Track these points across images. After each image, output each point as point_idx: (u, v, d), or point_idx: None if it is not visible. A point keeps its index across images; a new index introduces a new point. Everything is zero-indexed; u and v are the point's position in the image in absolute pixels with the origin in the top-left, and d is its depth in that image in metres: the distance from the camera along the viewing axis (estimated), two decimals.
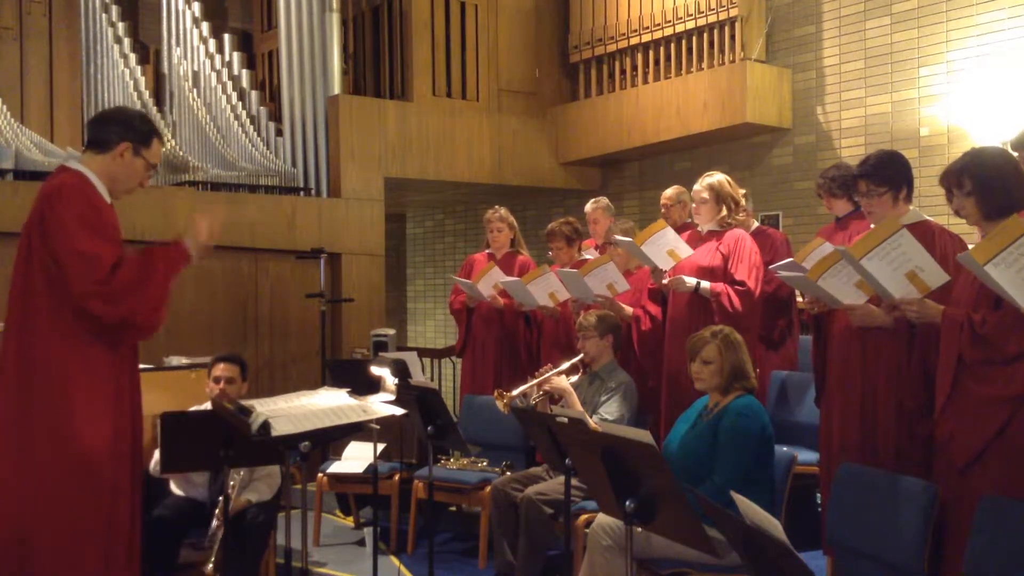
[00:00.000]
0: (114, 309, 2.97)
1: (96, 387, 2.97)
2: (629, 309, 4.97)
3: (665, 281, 4.84)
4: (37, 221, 2.98)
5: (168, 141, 7.43)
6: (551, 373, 4.42)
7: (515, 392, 4.38)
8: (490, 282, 5.64)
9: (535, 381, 4.42)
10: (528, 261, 5.91)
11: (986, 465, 2.93)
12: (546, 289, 5.27)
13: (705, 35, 7.40)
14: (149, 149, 3.16)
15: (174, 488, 4.19)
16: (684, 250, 4.71)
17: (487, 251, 6.06)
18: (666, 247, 4.73)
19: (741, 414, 3.46)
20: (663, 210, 5.79)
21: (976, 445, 2.93)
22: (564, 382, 4.36)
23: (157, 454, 4.14)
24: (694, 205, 4.80)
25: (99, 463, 2.95)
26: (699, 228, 4.82)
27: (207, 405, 4.29)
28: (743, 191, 4.90)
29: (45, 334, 2.94)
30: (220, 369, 4.29)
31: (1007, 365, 2.89)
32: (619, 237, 5.07)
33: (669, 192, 5.77)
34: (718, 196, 4.64)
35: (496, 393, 4.37)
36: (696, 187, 4.74)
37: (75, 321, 2.95)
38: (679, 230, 5.36)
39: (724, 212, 4.65)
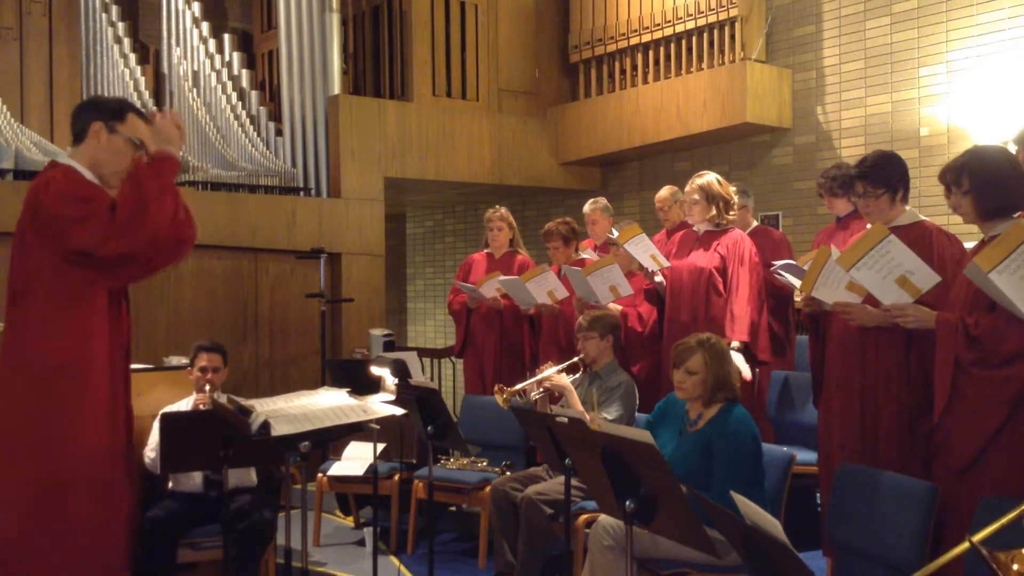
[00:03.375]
0: (133, 240, 2.84)
1: (90, 387, 2.94)
2: (617, 307, 4.98)
3: (658, 279, 4.87)
4: (30, 219, 2.93)
5: None
6: (552, 371, 4.42)
7: (515, 388, 4.39)
8: (492, 286, 5.65)
9: (536, 378, 4.42)
10: (527, 261, 5.91)
11: (985, 466, 2.93)
12: (545, 287, 5.28)
13: (705, 35, 7.40)
14: (124, 123, 3.03)
15: (170, 483, 4.20)
16: (661, 258, 4.76)
17: (486, 251, 6.06)
18: (648, 250, 4.77)
19: (737, 430, 3.43)
20: (660, 213, 5.80)
21: (974, 447, 2.93)
22: (565, 380, 4.35)
23: (149, 450, 4.16)
24: (687, 205, 4.83)
25: (94, 464, 2.92)
26: (695, 228, 4.84)
27: (193, 396, 4.34)
28: (733, 188, 4.91)
29: (36, 335, 2.90)
30: (205, 359, 4.36)
31: (1003, 367, 2.90)
32: (610, 236, 5.10)
33: (663, 193, 5.78)
34: (708, 196, 4.67)
35: (496, 388, 4.38)
36: (687, 188, 4.77)
37: (67, 321, 2.91)
38: (675, 230, 5.39)
39: (714, 212, 4.67)
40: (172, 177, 2.98)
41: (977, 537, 1.82)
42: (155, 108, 7.91)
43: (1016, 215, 3.01)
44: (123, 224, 2.85)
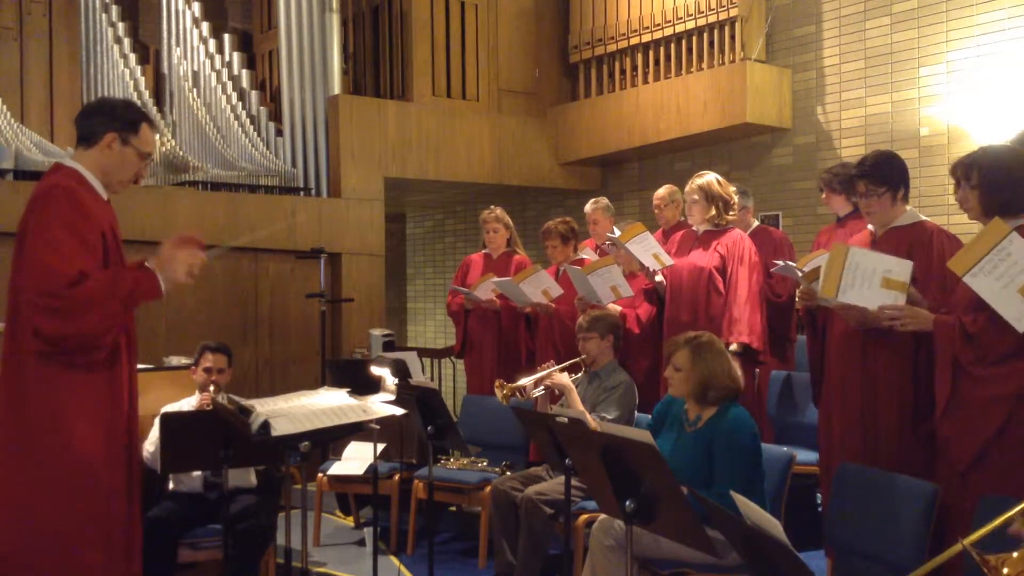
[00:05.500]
0: (60, 324, 2.80)
1: (88, 392, 2.90)
2: (616, 308, 4.98)
3: (658, 279, 4.87)
4: (25, 224, 2.92)
5: (168, 141, 7.43)
6: (552, 369, 4.43)
7: (516, 384, 4.39)
8: (487, 288, 5.65)
9: (536, 376, 4.42)
10: (525, 260, 5.91)
11: (986, 465, 2.94)
12: (539, 287, 5.28)
13: (705, 35, 7.40)
14: (138, 136, 3.04)
15: (171, 484, 4.20)
16: (665, 256, 4.75)
17: (484, 251, 6.06)
18: (651, 249, 4.76)
19: (737, 429, 3.42)
20: (656, 211, 5.81)
21: (975, 447, 2.94)
22: (566, 379, 4.36)
23: (149, 443, 4.16)
24: (687, 205, 4.83)
25: (93, 468, 2.89)
26: (694, 228, 4.84)
27: (195, 396, 4.35)
28: (733, 188, 4.90)
29: (33, 341, 2.87)
30: (211, 360, 4.37)
31: (1001, 364, 2.90)
32: (610, 235, 5.09)
33: (661, 192, 5.79)
34: (707, 196, 4.67)
35: (496, 383, 4.39)
36: (687, 188, 4.77)
37: None
38: (674, 230, 5.39)
39: (713, 212, 4.67)
40: (142, 301, 2.95)
41: (968, 540, 1.82)
42: (157, 110, 7.92)
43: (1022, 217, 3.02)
44: (72, 303, 2.80)
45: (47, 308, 2.82)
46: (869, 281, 3.16)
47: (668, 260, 4.76)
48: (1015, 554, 1.79)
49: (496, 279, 5.53)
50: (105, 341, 2.91)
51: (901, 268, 3.16)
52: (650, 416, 4.45)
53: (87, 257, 2.89)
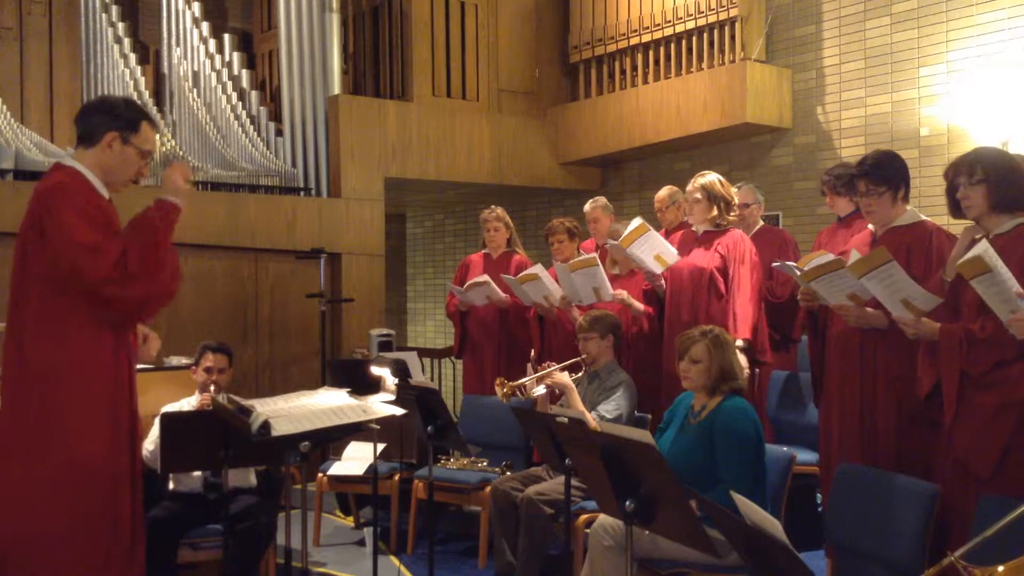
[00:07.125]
0: (135, 289, 2.92)
1: (90, 389, 2.93)
2: (640, 306, 4.97)
3: (660, 282, 4.86)
4: (34, 223, 2.91)
5: (168, 141, 7.42)
6: (553, 368, 4.43)
7: (517, 382, 4.39)
8: (481, 295, 5.64)
9: (537, 375, 4.42)
10: (524, 261, 5.90)
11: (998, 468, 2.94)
12: (540, 291, 5.27)
13: (705, 35, 7.39)
14: (138, 135, 3.06)
15: (171, 483, 4.20)
16: (670, 254, 4.74)
17: (484, 251, 6.06)
18: (653, 250, 4.75)
19: (736, 418, 3.43)
20: (659, 213, 5.80)
21: (994, 455, 2.93)
22: (566, 378, 4.36)
23: (148, 442, 4.15)
24: (688, 205, 4.83)
25: (97, 464, 2.91)
26: (694, 228, 4.84)
27: (195, 395, 4.36)
28: (748, 187, 4.90)
29: (35, 338, 2.89)
30: (212, 360, 4.38)
31: (1008, 368, 2.90)
32: (611, 242, 5.08)
33: (661, 194, 5.79)
34: (710, 196, 4.67)
35: (497, 381, 4.39)
36: (688, 187, 4.77)
37: (66, 325, 2.90)
38: (674, 231, 5.39)
39: (715, 212, 4.67)
40: (174, 225, 3.07)
41: (958, 553, 1.84)
42: (157, 110, 7.92)
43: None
44: (135, 270, 2.90)
45: (120, 281, 2.89)
46: (893, 291, 3.15)
47: (672, 258, 4.73)
48: (1000, 568, 1.80)
49: (505, 276, 5.52)
50: (177, 284, 3.06)
51: (925, 301, 3.14)
52: (649, 416, 4.47)
53: (115, 240, 2.96)
